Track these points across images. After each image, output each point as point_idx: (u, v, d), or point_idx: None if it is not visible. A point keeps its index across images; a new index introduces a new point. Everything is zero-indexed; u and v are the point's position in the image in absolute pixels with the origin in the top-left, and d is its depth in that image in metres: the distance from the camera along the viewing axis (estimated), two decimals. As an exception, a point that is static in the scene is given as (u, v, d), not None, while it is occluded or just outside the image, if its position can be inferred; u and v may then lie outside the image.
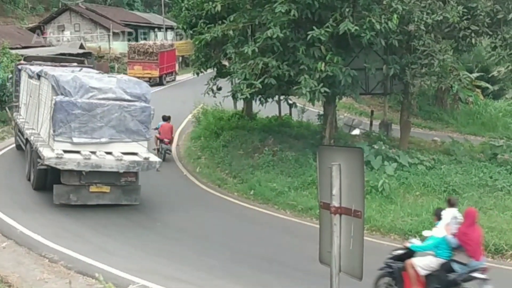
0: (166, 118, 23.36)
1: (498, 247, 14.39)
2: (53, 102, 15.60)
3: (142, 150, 16.38)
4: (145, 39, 56.59)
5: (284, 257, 13.74)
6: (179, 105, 32.76)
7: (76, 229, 14.91)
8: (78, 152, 15.66)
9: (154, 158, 16.58)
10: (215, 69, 23.39)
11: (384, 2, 18.10)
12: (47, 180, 16.81)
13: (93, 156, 15.61)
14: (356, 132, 27.16)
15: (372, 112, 29.58)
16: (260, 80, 17.80)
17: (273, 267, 13.10)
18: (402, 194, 18.30)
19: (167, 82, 47.79)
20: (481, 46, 25.27)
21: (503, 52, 20.05)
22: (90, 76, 17.03)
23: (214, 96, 22.08)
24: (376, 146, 20.80)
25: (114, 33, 51.50)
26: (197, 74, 23.59)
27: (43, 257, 12.74)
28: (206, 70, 23.34)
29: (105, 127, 15.98)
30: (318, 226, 6.65)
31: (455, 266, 10.13)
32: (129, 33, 55.19)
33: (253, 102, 23.67)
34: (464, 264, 10.13)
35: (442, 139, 26.78)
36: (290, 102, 23.25)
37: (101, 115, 15.91)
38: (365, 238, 13.88)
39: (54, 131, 15.66)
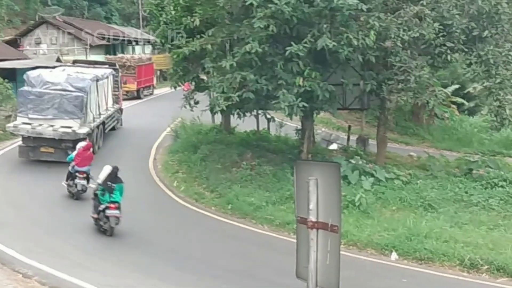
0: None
1: (473, 262, 14.48)
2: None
3: (75, 125, 22.47)
4: (123, 52, 56.39)
5: (261, 272, 13.70)
6: (157, 119, 32.67)
7: (50, 244, 14.73)
8: (30, 124, 22.38)
9: (80, 130, 22.43)
10: (193, 83, 23.39)
11: (362, 19, 18.26)
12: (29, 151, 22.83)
13: (38, 127, 22.34)
14: (333, 146, 27.28)
15: (349, 127, 29.71)
16: (237, 93, 17.83)
17: (250, 282, 13.05)
18: (379, 208, 18.39)
19: (145, 95, 47.56)
20: (456, 63, 25.52)
21: (478, 68, 20.30)
22: (51, 74, 24.13)
23: (192, 110, 22.05)
24: (353, 161, 20.91)
25: (91, 47, 51.22)
26: (175, 87, 23.58)
27: (16, 272, 12.56)
28: (184, 84, 23.34)
29: (50, 108, 22.48)
30: (295, 240, 6.65)
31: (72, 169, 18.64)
32: (107, 47, 54.98)
33: (231, 116, 23.67)
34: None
35: (418, 154, 27.01)
36: (268, 116, 23.32)
37: (48, 100, 22.55)
38: (342, 252, 13.97)
39: (17, 109, 23.54)
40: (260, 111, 23.25)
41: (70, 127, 22.28)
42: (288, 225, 16.88)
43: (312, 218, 5.93)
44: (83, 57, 46.25)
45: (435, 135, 36.23)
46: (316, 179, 5.93)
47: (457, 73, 37.36)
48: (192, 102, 21.58)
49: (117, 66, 33.18)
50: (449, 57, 19.79)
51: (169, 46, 22.97)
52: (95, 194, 15.99)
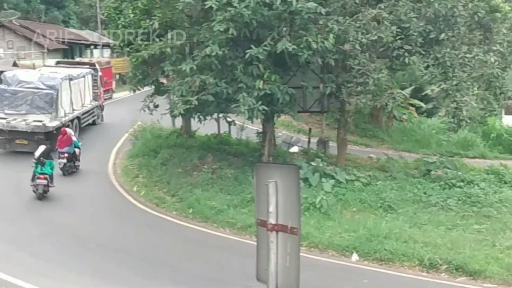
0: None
1: (432, 262, 14.68)
2: None
3: (46, 119, 24.78)
4: (81, 56, 55.67)
5: (223, 275, 13.65)
6: (116, 123, 32.32)
7: (7, 251, 14.41)
8: (6, 119, 24.70)
9: (50, 124, 24.79)
10: (153, 86, 23.20)
11: (321, 22, 18.38)
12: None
13: (12, 121, 24.69)
14: (294, 149, 27.38)
15: (310, 129, 29.88)
16: (196, 96, 17.74)
17: (212, 286, 12.98)
18: (340, 210, 18.50)
19: (104, 100, 46.98)
20: (414, 65, 25.89)
21: (435, 71, 20.59)
22: (26, 73, 27.01)
23: (151, 114, 21.85)
24: (314, 163, 21.01)
25: (49, 50, 50.44)
26: (134, 91, 23.36)
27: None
28: (143, 88, 23.14)
29: (24, 104, 24.91)
30: (256, 243, 6.62)
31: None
32: (65, 50, 54.18)
33: (192, 120, 23.55)
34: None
35: (378, 156, 27.31)
36: (229, 119, 23.28)
37: (21, 97, 24.98)
38: (303, 254, 13.95)
39: None
40: (220, 115, 23.18)
41: (41, 121, 24.66)
42: (249, 228, 16.86)
43: (272, 220, 5.91)
44: (40, 61, 45.66)
45: (394, 136, 36.69)
46: (276, 181, 5.92)
47: (415, 75, 37.86)
48: (151, 105, 21.38)
49: (97, 66, 35.88)
50: (407, 60, 20.00)
51: (128, 49, 22.73)
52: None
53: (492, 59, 20.99)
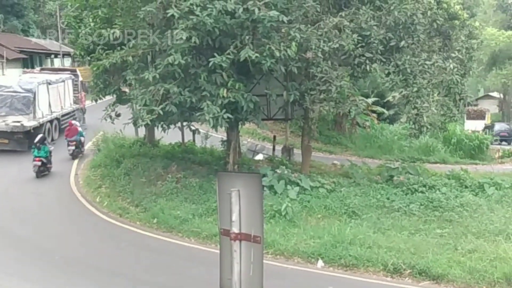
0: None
1: (396, 267, 14.82)
2: None
3: (24, 120, 27.09)
4: (41, 65, 54.83)
5: (188, 285, 13.55)
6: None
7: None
8: None
9: (28, 124, 27.03)
10: (115, 95, 22.98)
11: (283, 30, 18.45)
12: None
13: None
14: (259, 157, 27.42)
15: (274, 137, 29.97)
16: (161, 106, 17.63)
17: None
18: (305, 217, 18.56)
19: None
20: (376, 73, 26.23)
21: (396, 78, 20.84)
22: (5, 78, 31.37)
23: (113, 123, 21.61)
24: (279, 171, 21.05)
25: (8, 60, 49.53)
26: (96, 100, 23.09)
27: None
28: (105, 97, 22.90)
29: (4, 107, 27.23)
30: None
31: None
32: (24, 60, 53.32)
33: (155, 128, 23.38)
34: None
35: (342, 162, 27.51)
36: (193, 128, 23.15)
37: (1, 100, 27.26)
38: (269, 262, 13.94)
39: None
40: (184, 123, 23.05)
41: (19, 122, 26.96)
42: (215, 237, 16.74)
43: (235, 229, 5.90)
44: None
45: (357, 143, 37.06)
46: (238, 190, 5.90)
47: (377, 82, 38.37)
48: (113, 114, 21.14)
49: (78, 72, 38.13)
50: (368, 67, 20.20)
51: (89, 58, 22.48)
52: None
53: (451, 66, 21.40)
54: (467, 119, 64.89)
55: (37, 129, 27.43)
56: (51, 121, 29.99)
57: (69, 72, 37.20)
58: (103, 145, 27.18)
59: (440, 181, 22.06)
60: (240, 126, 22.78)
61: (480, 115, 64.83)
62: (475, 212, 19.04)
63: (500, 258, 14.91)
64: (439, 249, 15.86)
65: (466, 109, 61.64)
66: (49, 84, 30.46)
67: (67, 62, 61.12)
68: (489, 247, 15.75)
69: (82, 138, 27.28)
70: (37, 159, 23.37)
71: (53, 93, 30.87)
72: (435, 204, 19.46)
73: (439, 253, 15.48)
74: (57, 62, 59.93)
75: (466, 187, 21.97)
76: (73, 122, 27.18)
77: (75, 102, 34.97)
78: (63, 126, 30.50)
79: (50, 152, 24.24)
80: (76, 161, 26.72)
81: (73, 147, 26.71)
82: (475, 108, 69.65)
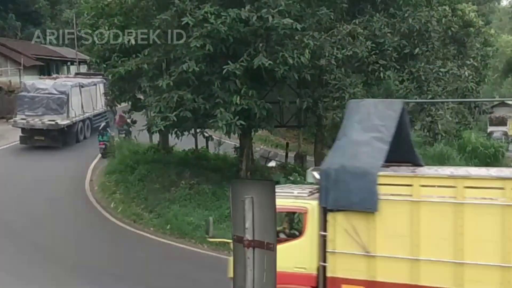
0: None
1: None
2: None
3: (58, 119, 29.75)
4: (57, 73, 55.23)
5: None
6: (94, 138, 32.08)
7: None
8: (26, 119, 29.65)
9: (62, 122, 29.86)
10: (130, 102, 23.12)
11: (296, 38, 18.50)
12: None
13: (31, 121, 29.60)
14: (272, 164, 27.42)
15: (287, 144, 29.98)
16: (175, 113, 17.72)
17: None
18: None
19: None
20: (390, 80, 26.15)
21: (410, 85, 20.83)
22: (42, 82, 33.11)
23: (129, 129, 21.75)
24: (291, 178, 21.05)
25: (25, 67, 49.96)
26: (111, 107, 23.26)
27: None
28: (120, 104, 23.04)
29: (40, 107, 29.87)
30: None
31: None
32: (41, 67, 53.76)
33: (169, 135, 23.49)
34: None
35: (355, 169, 27.34)
36: (207, 135, 23.27)
37: (38, 101, 30.01)
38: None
39: (17, 110, 30.76)
40: (198, 130, 23.14)
41: (54, 120, 29.66)
42: (228, 244, 16.77)
43: (249, 236, 5.92)
44: (16, 78, 45.71)
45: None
46: (252, 197, 5.93)
47: (391, 90, 38.19)
48: (124, 134, 21.26)
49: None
50: (382, 75, 20.23)
51: (105, 65, 22.64)
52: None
53: (466, 73, 21.36)
54: (489, 125, 66.73)
55: (70, 127, 30.73)
56: (83, 121, 32.88)
57: (101, 76, 38.53)
58: (117, 152, 27.33)
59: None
60: (253, 133, 22.82)
61: (502, 122, 67.38)
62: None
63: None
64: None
65: (488, 116, 66.34)
66: (82, 87, 33.32)
67: (83, 69, 61.51)
68: None
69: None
70: (102, 143, 28.25)
71: (85, 95, 33.62)
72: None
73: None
74: (73, 69, 60.32)
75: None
76: (122, 114, 29.36)
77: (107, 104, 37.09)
78: (95, 125, 33.60)
79: (111, 137, 28.61)
80: (91, 167, 26.89)
81: (123, 135, 30.07)
82: (497, 115, 70.90)
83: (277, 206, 5.88)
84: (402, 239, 9.30)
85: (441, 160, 34.06)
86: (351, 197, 9.54)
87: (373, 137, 10.19)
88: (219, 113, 17.59)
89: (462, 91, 21.44)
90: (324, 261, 9.80)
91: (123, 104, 23.87)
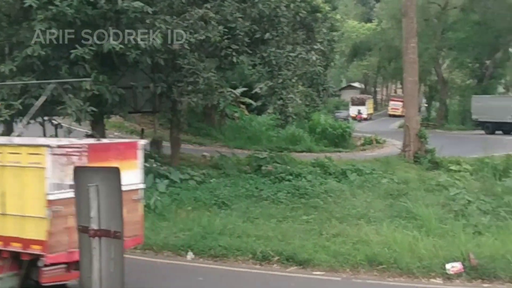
0: None
1: (265, 254, 15.05)
2: None
3: None
4: None
5: None
6: None
7: None
8: None
9: None
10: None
11: (148, 21, 18.15)
12: None
13: None
14: (127, 151, 26.85)
15: (142, 130, 29.56)
16: (20, 100, 16.77)
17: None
18: (175, 210, 18.42)
19: None
20: (243, 65, 26.58)
21: (262, 69, 21.30)
22: None
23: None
24: (147, 164, 20.72)
25: None
26: None
27: None
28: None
29: None
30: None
31: None
32: None
33: (14, 124, 22.20)
34: None
35: (212, 154, 27.64)
36: (55, 122, 22.25)
37: None
38: (137, 257, 13.77)
39: None
40: (46, 118, 22.06)
41: None
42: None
43: (94, 226, 5.74)
44: None
45: (227, 134, 37.39)
46: (97, 185, 5.74)
47: (244, 74, 38.91)
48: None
49: None
50: (235, 59, 20.47)
51: None
52: None
53: (314, 58, 22.19)
54: (352, 105, 76.87)
55: None
56: None
57: None
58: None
59: (306, 169, 22.80)
60: (105, 119, 22.21)
61: (362, 102, 77.49)
62: (339, 198, 19.85)
63: (362, 241, 15.58)
64: (306, 235, 16.33)
65: (350, 97, 78.88)
66: None
67: None
68: (352, 231, 16.43)
69: None
70: None
71: None
72: (301, 192, 20.09)
73: (305, 239, 15.94)
74: None
75: (330, 174, 22.87)
76: None
77: None
78: None
79: None
80: None
81: None
82: (358, 96, 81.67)
83: None
84: None
85: (294, 141, 35.38)
86: None
87: None
88: (68, 100, 16.88)
89: (310, 75, 22.26)
90: None
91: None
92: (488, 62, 59.24)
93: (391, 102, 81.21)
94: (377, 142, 39.79)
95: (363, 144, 39.60)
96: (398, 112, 69.73)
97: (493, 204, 18.51)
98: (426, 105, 70.92)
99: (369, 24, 76.56)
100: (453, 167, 24.22)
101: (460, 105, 63.00)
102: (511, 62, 60.98)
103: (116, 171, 5.77)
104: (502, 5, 52.85)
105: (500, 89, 65.09)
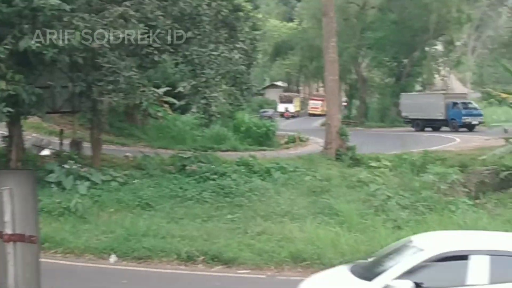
0: None
1: (189, 255, 14.97)
2: None
3: None
4: None
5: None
6: None
7: None
8: None
9: None
10: None
11: (65, 19, 17.71)
12: None
13: None
14: (45, 152, 26.07)
15: (61, 131, 28.72)
16: None
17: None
18: (96, 212, 18.02)
19: None
20: (166, 63, 26.29)
21: (185, 68, 21.17)
22: None
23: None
24: (67, 166, 20.25)
25: None
26: None
27: None
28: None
29: None
30: None
31: None
32: None
33: None
34: None
35: (135, 154, 27.20)
36: (-32, 124, 21.39)
37: None
38: (58, 261, 13.38)
39: None
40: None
41: None
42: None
43: (8, 230, 5.49)
44: None
45: (150, 134, 36.93)
46: (11, 188, 5.50)
47: (167, 73, 38.55)
48: None
49: None
50: (156, 58, 20.28)
51: None
52: None
53: (237, 56, 22.26)
54: (280, 102, 79.90)
55: None
56: None
57: None
58: None
59: (231, 168, 22.81)
60: (22, 120, 21.49)
61: (290, 100, 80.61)
62: (263, 196, 19.96)
63: (286, 239, 15.76)
64: (231, 233, 16.37)
65: (278, 95, 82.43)
66: None
67: None
68: (276, 229, 16.59)
69: None
70: None
71: None
72: (226, 191, 20.08)
73: (230, 238, 15.96)
74: None
75: (254, 172, 22.95)
76: None
77: None
78: None
79: None
80: None
81: None
82: (286, 94, 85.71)
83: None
84: None
85: (218, 140, 35.34)
86: None
87: None
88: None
89: (233, 74, 22.31)
90: None
91: None
92: (405, 60, 60.94)
93: (311, 101, 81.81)
94: (301, 140, 40.24)
95: (287, 142, 39.97)
96: (318, 111, 70.89)
97: (412, 199, 19.14)
98: (346, 103, 72.37)
99: (290, 24, 77.53)
100: (373, 164, 24.80)
101: (379, 103, 64.58)
102: (428, 61, 63.03)
103: (31, 174, 5.56)
104: (418, 5, 54.48)
105: (418, 87, 67.07)
